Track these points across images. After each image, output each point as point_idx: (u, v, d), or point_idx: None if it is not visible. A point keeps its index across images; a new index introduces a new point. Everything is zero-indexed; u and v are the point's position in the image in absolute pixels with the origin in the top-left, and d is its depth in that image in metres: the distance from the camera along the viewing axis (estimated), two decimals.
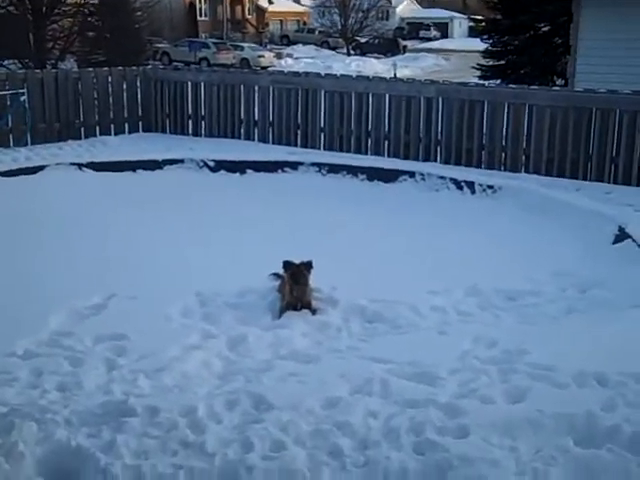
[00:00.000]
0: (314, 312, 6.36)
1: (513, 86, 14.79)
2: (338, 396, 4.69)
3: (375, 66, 46.01)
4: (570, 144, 11.31)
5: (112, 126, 14.25)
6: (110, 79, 14.21)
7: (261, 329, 6.02)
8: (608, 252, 8.15)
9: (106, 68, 14.85)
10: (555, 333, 5.82)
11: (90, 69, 15.25)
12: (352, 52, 60.38)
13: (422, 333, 5.98)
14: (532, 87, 13.07)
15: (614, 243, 8.39)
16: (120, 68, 14.71)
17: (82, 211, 9.47)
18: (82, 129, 13.82)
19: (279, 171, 11.75)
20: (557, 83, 22.16)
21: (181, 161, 11.97)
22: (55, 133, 13.41)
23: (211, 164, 11.88)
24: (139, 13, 31.47)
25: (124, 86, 14.45)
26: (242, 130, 14.03)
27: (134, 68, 15.18)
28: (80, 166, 11.52)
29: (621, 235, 8.42)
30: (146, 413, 4.42)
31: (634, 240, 8.14)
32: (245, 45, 52.67)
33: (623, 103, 10.96)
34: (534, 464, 3.96)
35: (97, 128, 14.03)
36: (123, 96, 14.43)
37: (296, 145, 13.45)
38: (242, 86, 13.98)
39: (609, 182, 11.07)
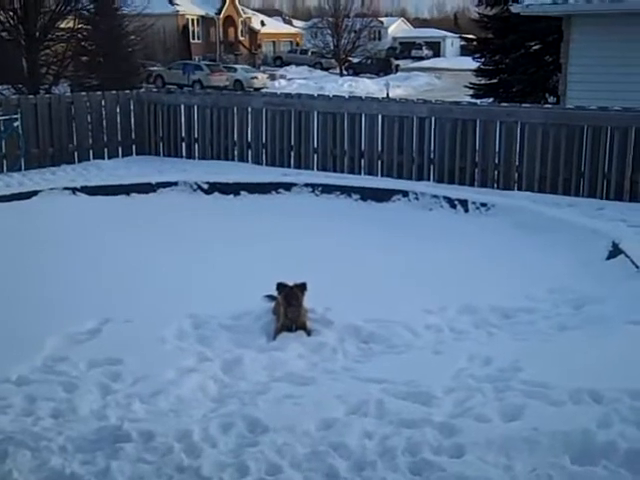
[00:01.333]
0: (309, 333, 6.35)
1: (505, 104, 14.90)
2: (334, 417, 4.69)
3: (368, 86, 46.26)
4: (562, 161, 11.36)
5: (106, 150, 14.28)
6: (103, 103, 14.24)
7: (256, 351, 6.01)
8: (602, 268, 8.15)
9: (99, 92, 14.86)
10: (550, 350, 5.82)
11: (83, 93, 15.26)
12: (345, 72, 60.70)
13: (417, 352, 5.97)
14: (524, 105, 13.17)
15: (608, 259, 8.39)
16: (113, 92, 14.73)
17: (76, 235, 9.47)
18: (76, 153, 13.83)
19: (273, 192, 11.76)
20: (549, 101, 22.30)
21: (175, 184, 11.98)
22: (48, 158, 13.42)
23: (205, 186, 11.88)
24: (132, 37, 31.57)
25: (117, 110, 14.49)
26: (235, 152, 14.05)
27: (127, 92, 15.20)
28: (74, 190, 11.52)
29: (615, 251, 8.41)
30: (141, 438, 4.41)
31: (627, 256, 8.14)
32: (238, 67, 52.91)
33: (614, 120, 11.03)
34: None
35: (91, 152, 14.06)
36: (117, 120, 14.46)
37: (290, 166, 13.48)
38: (235, 108, 14.01)
39: (602, 198, 11.12)
